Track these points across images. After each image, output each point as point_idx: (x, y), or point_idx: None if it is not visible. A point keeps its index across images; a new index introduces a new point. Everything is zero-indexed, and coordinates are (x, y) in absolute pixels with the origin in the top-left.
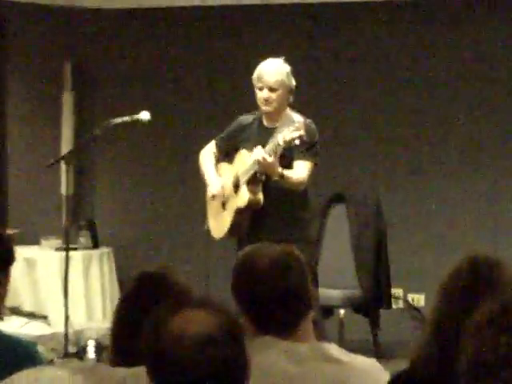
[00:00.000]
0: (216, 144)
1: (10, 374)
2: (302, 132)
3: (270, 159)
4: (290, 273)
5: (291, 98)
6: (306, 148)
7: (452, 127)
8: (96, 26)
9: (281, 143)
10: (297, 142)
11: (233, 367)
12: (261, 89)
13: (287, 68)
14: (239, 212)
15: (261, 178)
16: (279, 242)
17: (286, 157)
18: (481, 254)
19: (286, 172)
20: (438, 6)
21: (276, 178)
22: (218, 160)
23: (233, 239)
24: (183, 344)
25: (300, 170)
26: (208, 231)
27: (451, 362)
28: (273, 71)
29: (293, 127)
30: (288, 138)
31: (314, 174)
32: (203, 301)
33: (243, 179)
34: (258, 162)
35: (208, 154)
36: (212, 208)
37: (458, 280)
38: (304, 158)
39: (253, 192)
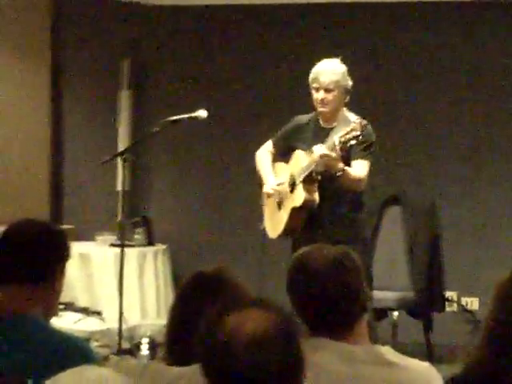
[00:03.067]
0: (272, 143)
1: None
2: (358, 132)
3: (333, 154)
4: (345, 274)
5: (348, 98)
6: (363, 148)
7: (507, 130)
8: (154, 23)
9: (337, 143)
10: (353, 142)
11: (288, 367)
12: (317, 90)
13: (343, 68)
14: (295, 211)
15: (317, 178)
16: (334, 243)
17: (343, 157)
18: None
19: (348, 168)
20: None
21: (339, 173)
22: (275, 159)
23: (288, 239)
24: (239, 343)
25: (359, 169)
26: (264, 231)
27: (506, 367)
28: (328, 72)
29: (349, 128)
30: (344, 138)
31: (369, 175)
32: (259, 300)
33: (299, 179)
34: (322, 157)
35: (264, 153)
36: (268, 207)
37: None
38: (361, 157)
39: (309, 191)
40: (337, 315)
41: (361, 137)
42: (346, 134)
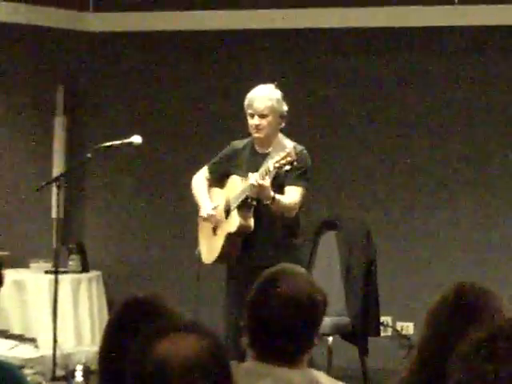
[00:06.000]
0: (208, 169)
1: None
2: (292, 158)
3: (265, 183)
4: (315, 307)
5: (283, 124)
6: (297, 174)
7: (442, 158)
8: (89, 49)
9: (271, 169)
10: (287, 167)
11: None
12: (251, 116)
13: (278, 94)
14: (230, 237)
15: (252, 203)
16: (269, 268)
17: (278, 182)
18: (467, 282)
19: (278, 196)
20: (434, 36)
21: (267, 202)
22: (211, 185)
23: (223, 265)
24: (169, 368)
25: (291, 195)
26: (199, 256)
27: None
28: (263, 97)
29: (283, 153)
30: (279, 164)
31: (305, 201)
32: (190, 325)
33: (234, 204)
34: (253, 187)
35: (200, 178)
36: (203, 233)
37: (444, 308)
38: (295, 183)
39: (244, 217)
40: (295, 343)
41: (295, 163)
42: (281, 159)
